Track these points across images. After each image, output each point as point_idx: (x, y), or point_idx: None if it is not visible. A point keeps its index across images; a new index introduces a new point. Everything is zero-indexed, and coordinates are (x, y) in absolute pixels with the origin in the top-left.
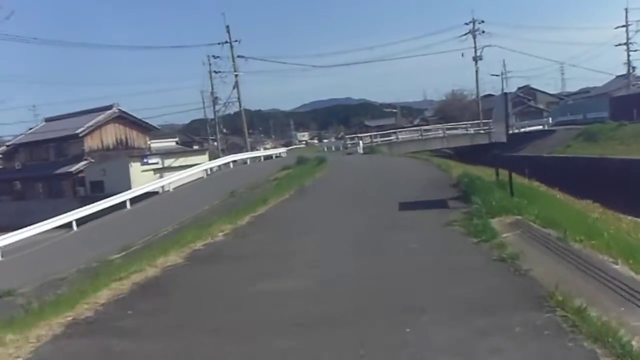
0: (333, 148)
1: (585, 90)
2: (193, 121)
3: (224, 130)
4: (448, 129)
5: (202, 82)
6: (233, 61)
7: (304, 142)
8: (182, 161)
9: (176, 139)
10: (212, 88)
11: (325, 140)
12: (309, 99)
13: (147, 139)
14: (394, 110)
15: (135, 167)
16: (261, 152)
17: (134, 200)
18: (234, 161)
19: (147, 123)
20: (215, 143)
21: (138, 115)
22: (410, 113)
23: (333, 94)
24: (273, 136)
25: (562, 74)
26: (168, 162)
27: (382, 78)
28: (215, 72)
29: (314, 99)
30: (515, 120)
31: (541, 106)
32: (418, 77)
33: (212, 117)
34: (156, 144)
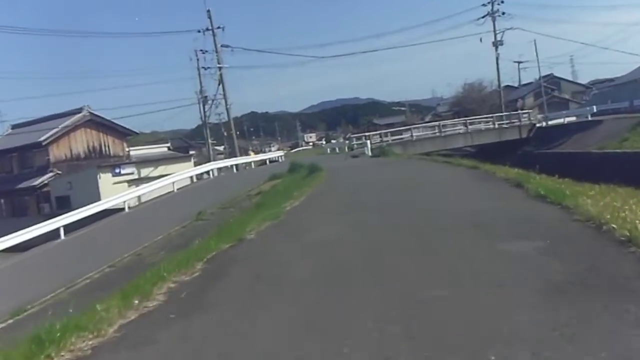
0: (337, 150)
1: (609, 80)
2: (199, 126)
3: (225, 134)
4: (471, 123)
5: (193, 81)
6: (216, 51)
7: (311, 144)
8: (162, 170)
9: (168, 145)
10: (201, 86)
11: (333, 141)
12: (316, 99)
13: (125, 145)
14: (403, 109)
15: (105, 179)
16: (252, 157)
17: (86, 221)
18: (220, 169)
19: (124, 127)
20: (221, 147)
21: (121, 115)
22: (419, 111)
23: (341, 94)
24: (279, 138)
25: (572, 65)
26: (146, 171)
27: (389, 77)
28: (205, 68)
29: (321, 99)
30: (544, 112)
31: (566, 96)
32: (426, 75)
33: (216, 119)
34: (144, 151)
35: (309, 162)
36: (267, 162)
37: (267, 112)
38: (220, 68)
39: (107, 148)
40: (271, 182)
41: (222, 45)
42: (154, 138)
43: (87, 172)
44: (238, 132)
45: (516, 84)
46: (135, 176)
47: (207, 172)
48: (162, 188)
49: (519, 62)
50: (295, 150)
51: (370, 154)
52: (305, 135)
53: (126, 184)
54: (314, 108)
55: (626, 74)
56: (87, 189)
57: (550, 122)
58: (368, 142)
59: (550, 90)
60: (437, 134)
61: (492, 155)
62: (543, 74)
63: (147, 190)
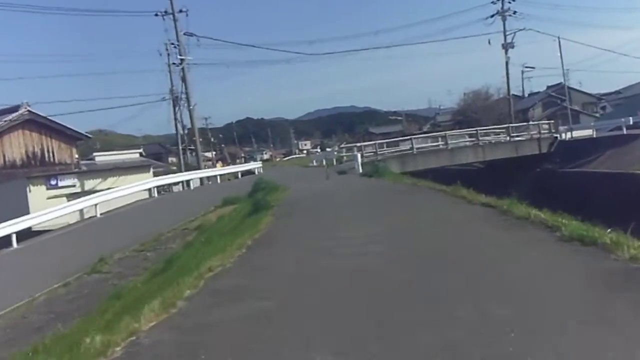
0: (324, 162)
1: (617, 92)
2: (190, 130)
3: (213, 139)
4: (483, 133)
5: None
6: (177, 40)
7: (305, 151)
8: (112, 182)
9: (140, 150)
10: (172, 84)
11: (321, 151)
12: (313, 107)
13: (74, 151)
14: (399, 118)
15: (37, 192)
16: (218, 170)
17: None
18: (169, 186)
19: (73, 130)
20: (209, 154)
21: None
22: (416, 120)
23: (337, 102)
24: (272, 145)
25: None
26: (92, 183)
27: (386, 86)
28: (176, 64)
29: (318, 107)
30: (558, 123)
31: (576, 107)
32: (423, 85)
33: (202, 124)
34: (113, 157)
35: (279, 182)
36: (239, 175)
37: (262, 119)
38: (182, 60)
39: (51, 154)
40: (222, 210)
41: (185, 33)
42: (131, 142)
43: (13, 183)
44: (216, 137)
45: (520, 94)
46: (77, 189)
47: (150, 190)
48: (87, 209)
49: (530, 68)
50: (288, 158)
51: (360, 170)
52: (300, 143)
53: (65, 199)
54: (310, 115)
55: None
56: (13, 204)
57: (574, 134)
58: (359, 155)
59: (560, 100)
60: (443, 146)
61: (505, 174)
62: (550, 83)
63: (51, 217)
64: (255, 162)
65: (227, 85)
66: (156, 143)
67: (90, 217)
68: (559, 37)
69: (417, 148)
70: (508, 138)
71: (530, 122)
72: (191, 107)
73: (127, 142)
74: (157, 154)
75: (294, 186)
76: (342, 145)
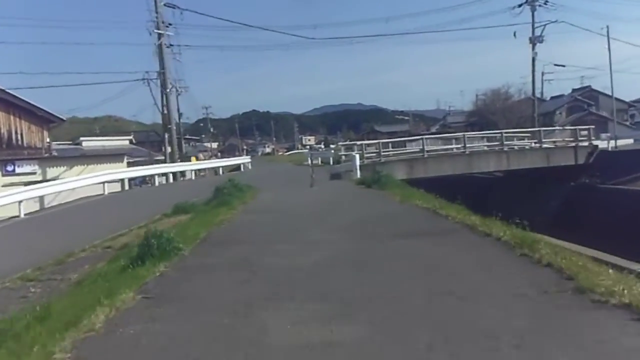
0: (320, 161)
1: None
2: (199, 120)
3: (213, 130)
4: (509, 136)
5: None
6: (156, 11)
7: (308, 147)
8: (78, 170)
9: (130, 137)
10: (162, 67)
11: (323, 147)
12: (320, 103)
13: (46, 134)
14: (406, 118)
15: None
16: (192, 165)
17: None
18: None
19: (46, 111)
20: (215, 144)
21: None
22: (423, 121)
23: (344, 99)
24: (274, 139)
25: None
26: (55, 171)
27: (394, 85)
28: (168, 46)
29: (325, 103)
30: (599, 131)
31: (604, 113)
32: (432, 86)
33: (203, 113)
34: (100, 143)
35: (252, 185)
36: (220, 171)
37: (268, 112)
38: (160, 35)
39: (19, 136)
40: (168, 221)
41: (166, 4)
42: (142, 129)
43: None
44: (219, 128)
45: (539, 96)
46: (38, 177)
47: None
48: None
49: (560, 65)
50: (290, 152)
51: (358, 174)
52: (304, 138)
53: (23, 186)
54: (317, 111)
55: None
56: None
57: (619, 144)
58: (357, 156)
59: (587, 105)
60: (461, 150)
61: (529, 186)
62: (575, 86)
63: None
64: (244, 157)
65: (235, 77)
66: (152, 131)
67: (11, 218)
68: (607, 27)
69: (429, 151)
70: (538, 144)
71: (566, 127)
72: (167, 90)
73: (138, 129)
74: (153, 142)
75: (263, 196)
76: (342, 143)
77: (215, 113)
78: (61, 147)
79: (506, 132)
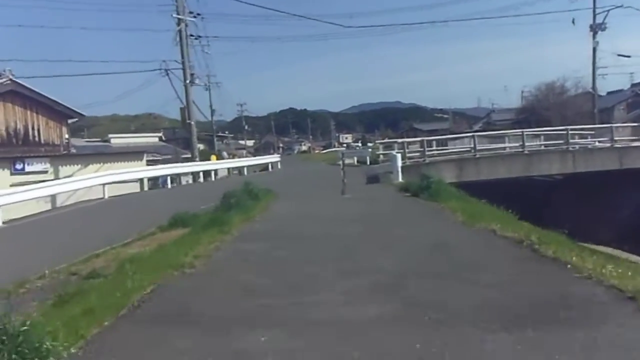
0: (355, 160)
1: None
2: (236, 118)
3: (247, 128)
4: (581, 133)
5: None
6: None
7: (344, 145)
8: (94, 169)
9: (160, 134)
10: (184, 57)
11: (360, 145)
12: (357, 101)
13: (65, 130)
14: (446, 116)
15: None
16: (211, 164)
17: None
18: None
19: (65, 106)
20: (251, 142)
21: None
22: (463, 119)
23: (383, 97)
24: (311, 137)
25: None
26: (69, 170)
27: (434, 83)
28: (194, 36)
29: (362, 101)
30: None
31: None
32: (472, 83)
33: (238, 111)
34: (128, 140)
35: (275, 190)
36: (245, 171)
37: (305, 109)
38: (179, 21)
39: (36, 133)
40: (162, 236)
41: None
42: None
43: None
44: (256, 126)
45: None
46: (50, 176)
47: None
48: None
49: (624, 56)
50: (326, 150)
51: (399, 178)
52: (341, 136)
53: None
54: (354, 109)
55: None
56: None
57: None
58: (398, 156)
59: None
60: (518, 149)
61: (595, 193)
62: (625, 82)
63: None
64: (273, 156)
65: (273, 75)
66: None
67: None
68: None
69: (480, 150)
70: (609, 143)
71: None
72: (187, 82)
73: (176, 126)
74: (185, 139)
75: (279, 208)
76: (379, 141)
77: (252, 111)
78: (90, 144)
79: (572, 129)
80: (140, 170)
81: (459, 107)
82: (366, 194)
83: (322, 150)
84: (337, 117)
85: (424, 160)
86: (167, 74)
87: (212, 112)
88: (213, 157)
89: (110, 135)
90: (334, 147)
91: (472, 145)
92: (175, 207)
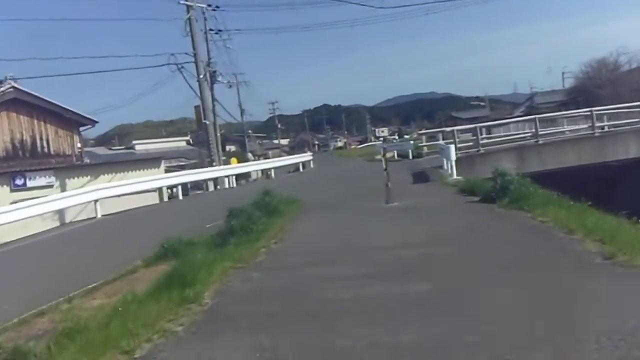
0: (395, 154)
1: None
2: (270, 118)
3: (280, 126)
4: None
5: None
6: None
7: (381, 139)
8: (107, 179)
9: (187, 138)
10: (195, 48)
11: (397, 138)
12: (392, 94)
13: (77, 139)
14: (482, 104)
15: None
16: (229, 169)
17: None
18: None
19: (75, 113)
20: (286, 141)
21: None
22: (499, 106)
23: (417, 88)
24: (346, 132)
25: None
26: (77, 182)
27: (467, 72)
28: (213, 31)
29: (397, 94)
30: None
31: None
32: (507, 70)
33: (270, 110)
34: (155, 145)
35: (300, 198)
36: (273, 173)
37: (339, 105)
38: (188, 8)
39: (44, 143)
40: (141, 275)
41: None
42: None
43: None
44: (290, 124)
45: None
46: (56, 190)
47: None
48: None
49: None
50: (363, 145)
51: (454, 174)
52: (376, 130)
53: None
54: (389, 102)
55: None
56: None
57: None
58: (452, 147)
59: None
60: (589, 131)
61: None
62: None
63: None
64: (304, 155)
65: (307, 72)
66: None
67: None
68: None
69: (543, 135)
70: None
71: None
72: (201, 77)
73: (230, 129)
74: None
75: (301, 230)
76: (421, 132)
77: (285, 109)
78: (113, 152)
79: None
80: (140, 181)
81: (495, 94)
82: (417, 200)
83: (359, 145)
84: (371, 110)
85: (477, 151)
86: (179, 69)
87: (242, 111)
88: (233, 160)
89: (134, 142)
90: (370, 141)
91: (534, 131)
92: (178, 226)
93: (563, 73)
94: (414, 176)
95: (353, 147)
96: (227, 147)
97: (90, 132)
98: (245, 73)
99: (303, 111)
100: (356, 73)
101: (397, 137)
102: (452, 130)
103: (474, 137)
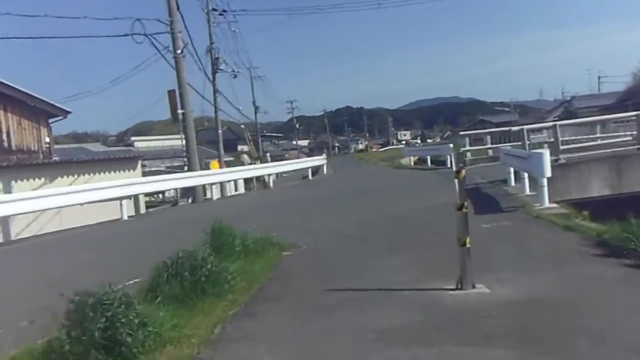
0: (429, 161)
1: None
2: (291, 119)
3: (298, 126)
4: None
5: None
6: None
7: (404, 142)
8: (66, 182)
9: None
10: (210, 38)
11: (419, 142)
12: (414, 97)
13: (46, 131)
14: (506, 109)
15: None
16: (217, 174)
17: None
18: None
19: (46, 102)
20: (306, 142)
21: None
22: (524, 112)
23: (440, 92)
24: (368, 134)
25: None
26: (27, 185)
27: (492, 77)
28: (218, 11)
29: (419, 97)
30: None
31: None
32: (532, 75)
33: (288, 109)
34: (151, 142)
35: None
36: (271, 182)
37: (362, 107)
38: None
39: (5, 136)
40: None
41: None
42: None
43: None
44: (311, 125)
45: None
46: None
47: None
48: None
49: None
50: (385, 148)
51: (546, 200)
52: (399, 133)
53: None
54: (412, 105)
55: None
56: None
57: None
58: (543, 155)
59: None
60: None
61: None
62: None
63: None
64: (314, 158)
65: (329, 73)
66: (228, 128)
67: None
68: None
69: None
70: None
71: None
72: (179, 52)
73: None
74: (227, 140)
75: None
76: (463, 132)
77: (307, 110)
78: (112, 149)
79: None
80: (64, 192)
81: (519, 100)
82: (527, 279)
83: (380, 148)
84: (394, 114)
85: (556, 160)
86: (149, 38)
87: (256, 109)
88: (213, 163)
89: (133, 139)
90: (393, 144)
91: (635, 133)
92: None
93: (599, 77)
94: (475, 202)
95: (374, 150)
96: (239, 147)
97: (111, 130)
98: (259, 67)
99: (324, 111)
100: (379, 76)
101: (419, 142)
102: (521, 130)
103: (552, 141)
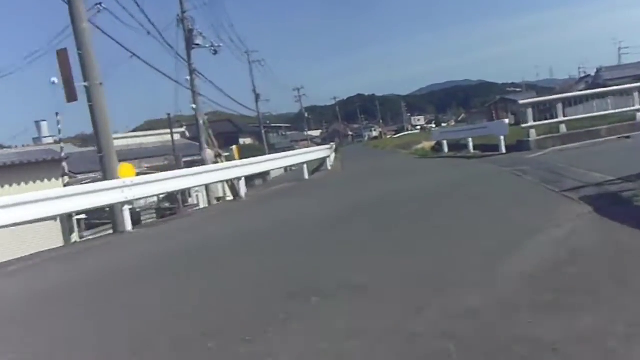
0: (471, 147)
1: None
2: (305, 108)
3: (307, 115)
4: None
5: None
6: None
7: (418, 127)
8: None
9: (182, 130)
10: (182, 7)
11: (434, 126)
12: (426, 82)
13: None
14: (518, 90)
15: None
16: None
17: None
18: None
19: None
20: (318, 132)
21: None
22: (537, 92)
23: (450, 76)
24: (381, 121)
25: None
26: None
27: (502, 58)
28: None
29: (431, 82)
30: None
31: None
32: (541, 55)
33: (296, 97)
34: (135, 140)
35: None
36: (242, 188)
37: (373, 95)
38: None
39: None
40: None
41: None
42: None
43: None
44: (324, 114)
45: None
46: None
47: None
48: None
49: None
50: (400, 135)
51: None
52: (412, 118)
53: None
54: (423, 90)
55: None
56: None
57: None
58: None
59: None
60: None
61: None
62: None
63: None
64: (315, 149)
65: (341, 63)
66: (229, 120)
67: None
68: None
69: None
70: None
71: None
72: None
73: (247, 122)
74: (228, 133)
75: None
76: (523, 101)
77: (318, 100)
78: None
79: None
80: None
81: (530, 80)
82: None
83: (394, 134)
84: (406, 99)
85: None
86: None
87: (257, 97)
88: (123, 166)
89: (113, 135)
90: (407, 130)
91: None
92: None
93: (619, 49)
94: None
95: (389, 136)
96: (242, 140)
97: (119, 127)
98: (258, 51)
99: (335, 99)
100: (389, 62)
101: (434, 126)
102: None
103: None
